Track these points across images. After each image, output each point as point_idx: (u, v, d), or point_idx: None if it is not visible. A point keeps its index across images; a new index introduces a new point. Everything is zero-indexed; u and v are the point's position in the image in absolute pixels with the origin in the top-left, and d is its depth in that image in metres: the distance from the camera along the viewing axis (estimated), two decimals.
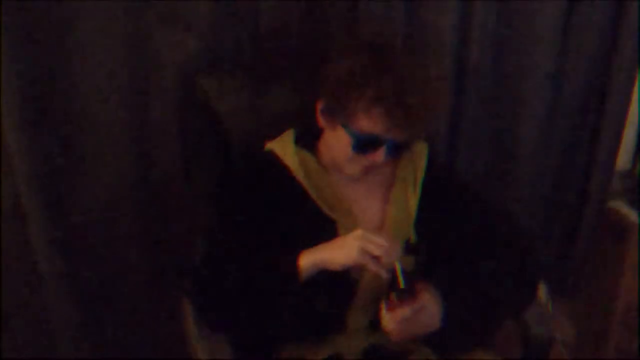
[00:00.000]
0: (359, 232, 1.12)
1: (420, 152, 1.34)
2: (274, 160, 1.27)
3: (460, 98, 1.63)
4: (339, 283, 1.20)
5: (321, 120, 1.24)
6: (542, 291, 1.32)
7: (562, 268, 1.94)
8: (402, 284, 1.10)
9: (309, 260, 1.14)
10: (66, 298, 1.43)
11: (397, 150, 1.21)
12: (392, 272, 1.11)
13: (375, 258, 1.10)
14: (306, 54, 1.46)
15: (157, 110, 1.41)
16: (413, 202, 1.29)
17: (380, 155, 1.18)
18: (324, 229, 1.22)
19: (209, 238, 1.26)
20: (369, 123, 1.16)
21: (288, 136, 1.31)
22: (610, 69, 1.71)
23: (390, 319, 1.13)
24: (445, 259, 1.26)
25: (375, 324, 1.20)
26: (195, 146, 1.41)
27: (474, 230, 1.30)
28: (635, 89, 1.77)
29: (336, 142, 1.22)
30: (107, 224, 1.45)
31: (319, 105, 1.23)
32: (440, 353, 1.25)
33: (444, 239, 1.27)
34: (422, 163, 1.32)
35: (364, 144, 1.18)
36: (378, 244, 1.10)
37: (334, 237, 1.18)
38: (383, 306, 1.14)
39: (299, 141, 1.29)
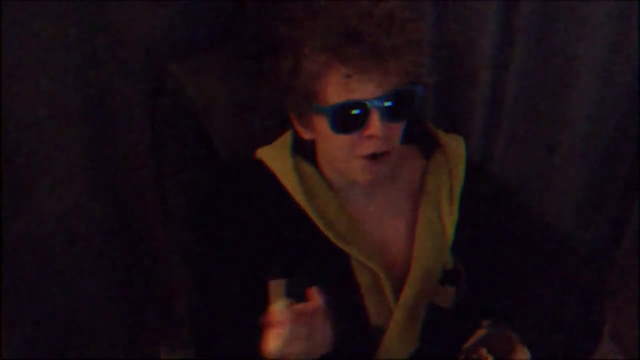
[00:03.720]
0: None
1: (456, 151, 1.05)
2: (267, 174, 0.99)
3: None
4: (361, 332, 0.97)
5: (298, 126, 0.97)
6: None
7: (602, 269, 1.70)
8: None
9: None
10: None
11: (399, 114, 0.90)
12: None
13: None
14: None
15: (119, 105, 1.10)
16: (449, 220, 1.02)
17: (375, 124, 0.87)
18: (335, 265, 0.97)
19: (199, 279, 1.01)
20: (339, 89, 0.87)
21: (283, 143, 1.02)
22: None
23: None
24: (494, 291, 1.00)
25: None
26: (169, 154, 1.11)
27: (526, 253, 1.03)
28: None
29: (325, 140, 0.94)
30: (63, 248, 1.16)
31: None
32: None
33: (490, 265, 1.01)
34: (460, 166, 1.04)
35: (345, 116, 0.88)
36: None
37: (348, 274, 0.96)
38: None
39: (299, 148, 1.01)
